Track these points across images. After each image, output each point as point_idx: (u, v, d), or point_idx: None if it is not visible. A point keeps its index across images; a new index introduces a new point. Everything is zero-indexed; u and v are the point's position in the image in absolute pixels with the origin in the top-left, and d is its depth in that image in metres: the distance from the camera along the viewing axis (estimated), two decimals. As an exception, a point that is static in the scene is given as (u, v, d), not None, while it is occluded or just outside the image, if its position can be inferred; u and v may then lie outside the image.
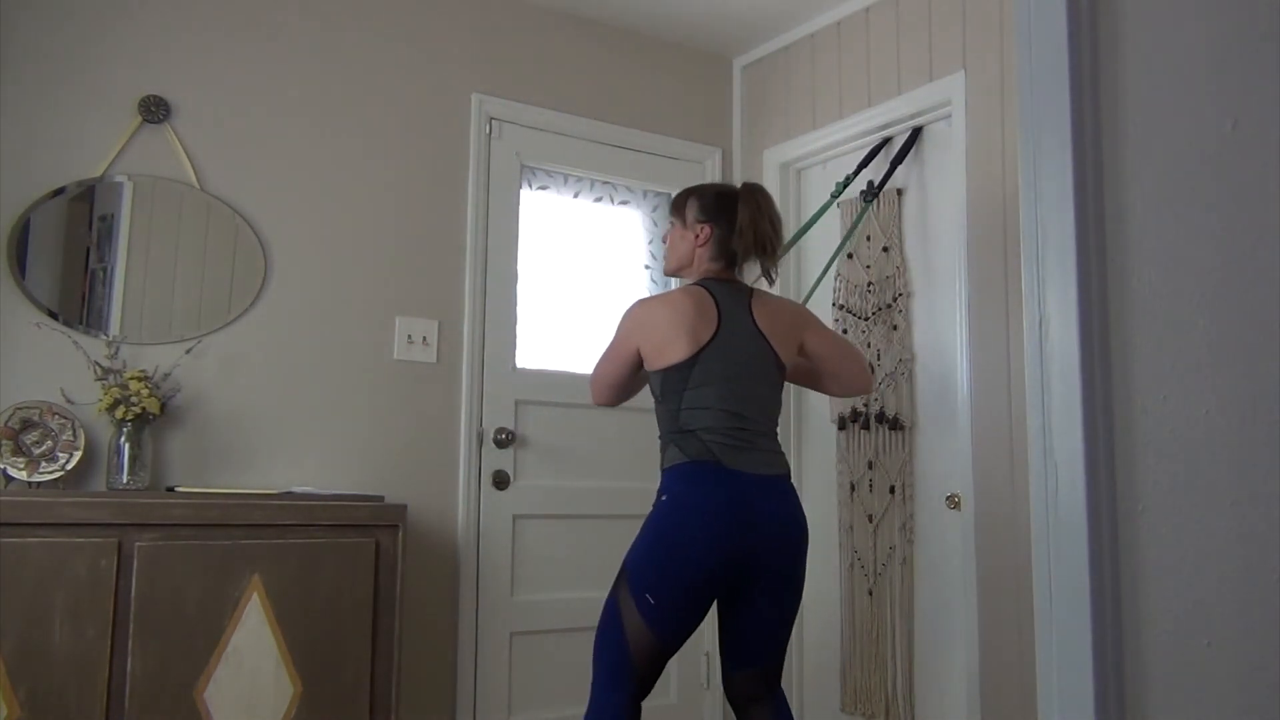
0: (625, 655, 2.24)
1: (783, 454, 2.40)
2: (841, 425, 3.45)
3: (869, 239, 3.43)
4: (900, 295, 3.30)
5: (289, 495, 2.70)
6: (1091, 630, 1.00)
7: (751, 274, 2.53)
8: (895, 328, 3.31)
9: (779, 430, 2.45)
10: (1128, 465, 1.00)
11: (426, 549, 3.19)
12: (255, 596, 2.47)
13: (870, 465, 3.36)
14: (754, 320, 2.40)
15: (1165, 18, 1.01)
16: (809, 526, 2.38)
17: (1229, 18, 0.96)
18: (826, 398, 3.52)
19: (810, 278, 3.68)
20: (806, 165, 3.74)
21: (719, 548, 2.23)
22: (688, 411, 2.32)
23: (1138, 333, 1.01)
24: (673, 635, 2.26)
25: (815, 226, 3.47)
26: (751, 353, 2.37)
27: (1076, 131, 1.05)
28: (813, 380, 2.62)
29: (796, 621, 3.56)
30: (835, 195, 3.38)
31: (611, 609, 2.28)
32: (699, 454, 2.28)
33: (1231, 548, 0.92)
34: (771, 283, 2.54)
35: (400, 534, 2.69)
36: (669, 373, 2.34)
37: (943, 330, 3.15)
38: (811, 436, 3.62)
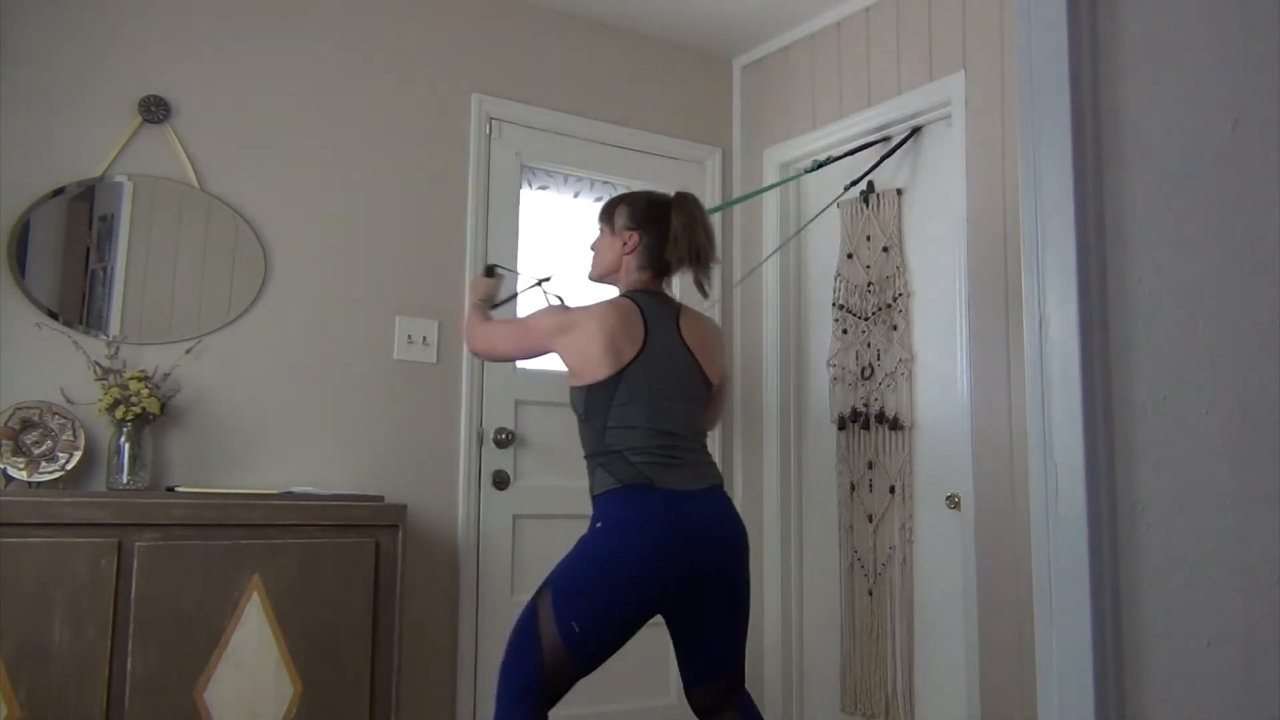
0: (539, 675, 2.16)
1: (714, 464, 2.36)
2: (841, 425, 3.45)
3: (869, 239, 3.43)
4: (900, 295, 3.30)
5: (289, 495, 2.70)
6: (1091, 630, 1.00)
7: (680, 286, 2.47)
8: (895, 328, 3.31)
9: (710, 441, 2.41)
10: (1128, 465, 1.00)
11: (426, 549, 3.19)
12: (255, 596, 2.47)
13: (870, 465, 3.36)
14: (681, 336, 2.36)
15: (1165, 18, 1.01)
16: (751, 534, 2.36)
17: (1229, 18, 0.96)
18: (827, 396, 3.53)
19: (814, 278, 3.68)
20: (806, 165, 3.74)
21: (663, 568, 2.18)
22: (614, 431, 2.25)
23: (1138, 333, 1.01)
24: (592, 661, 2.19)
25: (815, 226, 3.47)
26: (678, 369, 2.33)
27: (1076, 131, 1.05)
28: None
29: (796, 621, 3.60)
30: (809, 170, 3.48)
31: (528, 628, 2.19)
32: (630, 477, 2.22)
33: (1231, 548, 0.92)
34: (705, 295, 2.47)
35: (400, 534, 2.69)
36: (593, 390, 2.28)
37: (943, 330, 3.15)
38: (811, 436, 3.62)
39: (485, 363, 3.37)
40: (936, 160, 3.25)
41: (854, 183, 3.41)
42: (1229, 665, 0.92)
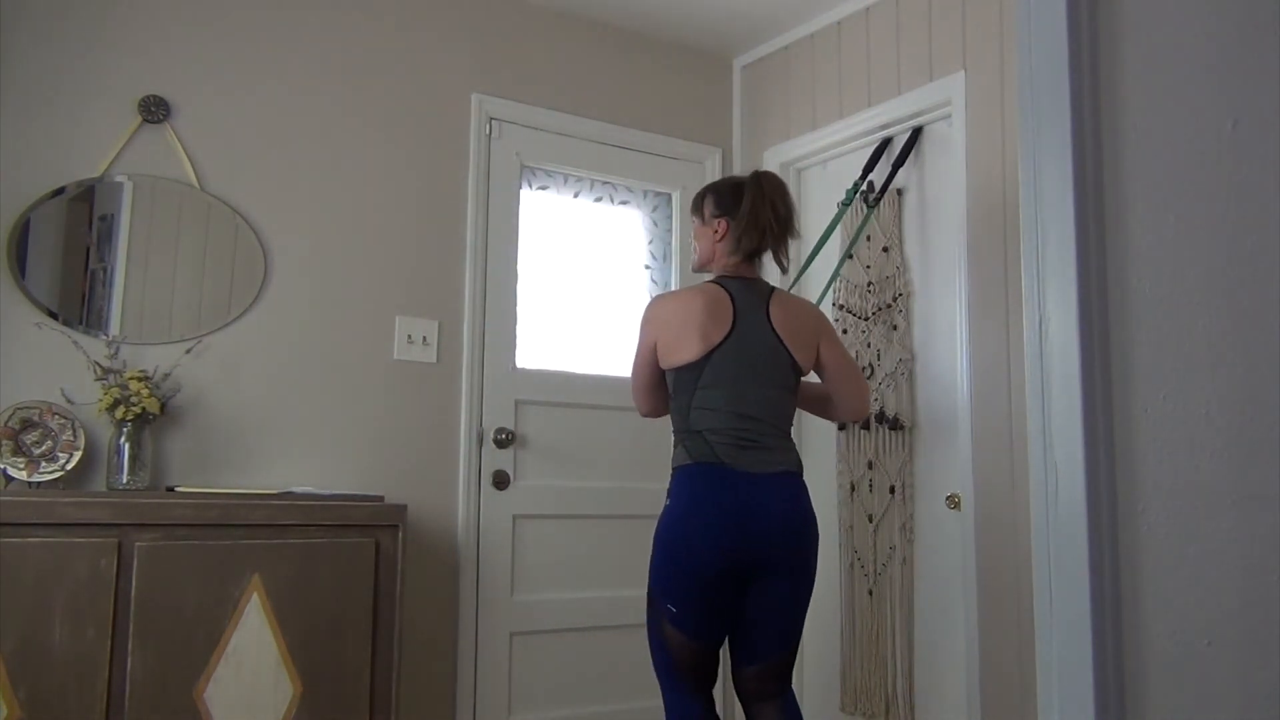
0: (674, 661, 2.31)
1: (794, 451, 2.41)
2: (841, 425, 3.45)
3: (869, 239, 3.43)
4: (900, 295, 3.30)
5: (289, 495, 2.70)
6: (1091, 630, 1.00)
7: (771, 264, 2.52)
8: (895, 328, 3.31)
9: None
10: (1128, 465, 1.00)
11: (426, 549, 3.19)
12: (255, 596, 2.47)
13: (870, 465, 3.36)
14: (770, 321, 2.38)
15: (1165, 18, 1.01)
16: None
17: (1229, 18, 0.96)
18: (826, 398, 3.53)
19: (813, 278, 3.68)
20: (806, 165, 3.74)
21: (720, 548, 2.24)
22: (697, 411, 2.33)
23: (1138, 333, 1.01)
24: (706, 634, 2.30)
25: (815, 227, 3.47)
26: (765, 354, 2.36)
27: (1076, 131, 1.05)
28: (813, 404, 2.62)
29: (796, 621, 3.59)
30: (845, 204, 3.38)
31: (650, 622, 2.36)
32: (703, 455, 2.29)
33: (1231, 548, 0.92)
34: (784, 270, 2.54)
35: (400, 534, 2.69)
36: (680, 371, 2.36)
37: (943, 330, 3.15)
38: (811, 436, 3.62)
39: (485, 363, 3.38)
40: (936, 160, 3.25)
41: (877, 198, 3.36)
42: (1229, 665, 0.92)
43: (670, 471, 2.39)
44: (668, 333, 2.37)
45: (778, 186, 2.46)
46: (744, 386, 2.32)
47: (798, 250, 3.21)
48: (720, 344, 2.33)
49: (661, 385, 2.47)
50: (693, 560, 2.25)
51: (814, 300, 3.12)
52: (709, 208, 2.50)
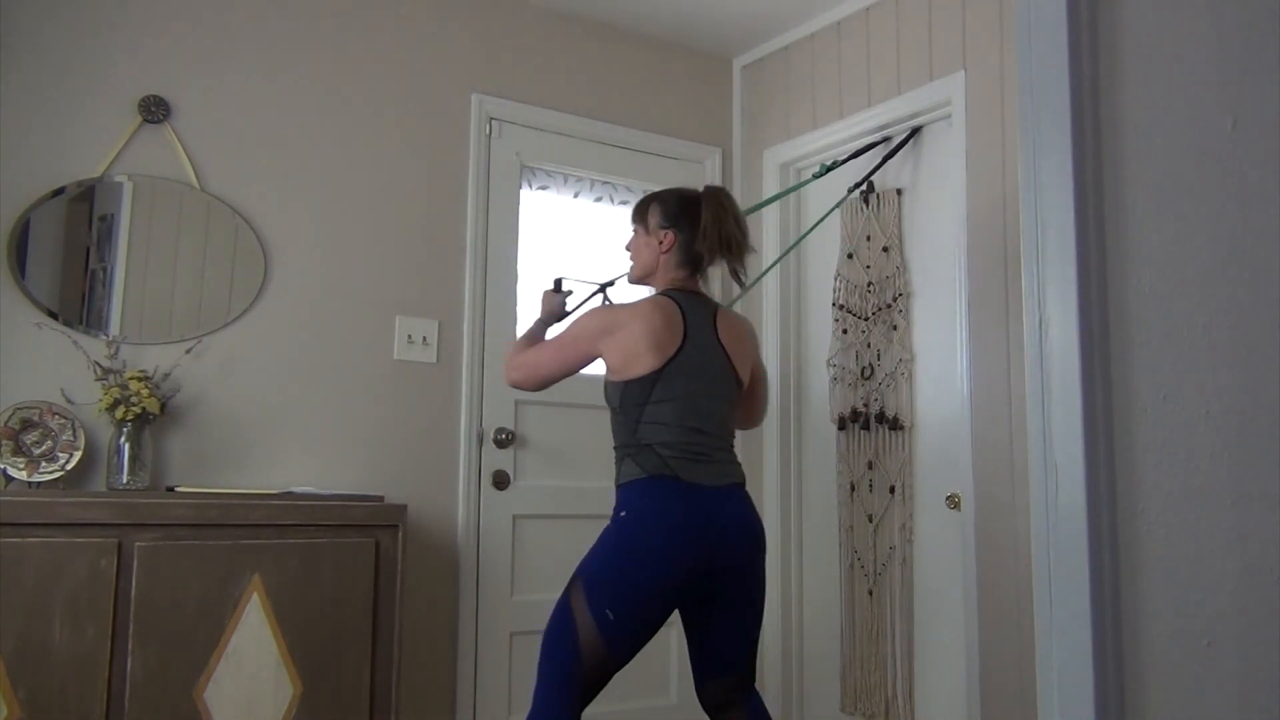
0: (577, 667, 2.20)
1: (739, 464, 2.40)
2: (841, 425, 3.45)
3: (869, 239, 3.43)
4: (900, 295, 3.30)
5: (289, 495, 2.70)
6: (1091, 630, 1.00)
7: (717, 278, 2.50)
8: (895, 328, 3.31)
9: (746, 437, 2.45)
10: (1128, 465, 1.00)
11: (426, 549, 3.19)
12: (255, 596, 2.47)
13: (870, 465, 3.36)
14: (717, 335, 2.39)
15: (1165, 17, 1.01)
16: (766, 532, 2.40)
17: (1229, 17, 0.96)
18: (827, 396, 3.53)
19: (813, 278, 3.68)
20: (806, 165, 3.74)
21: (683, 559, 2.21)
22: (646, 425, 2.30)
23: (1138, 333, 1.01)
24: (628, 650, 2.23)
25: (816, 227, 3.46)
26: (714, 369, 2.36)
27: (1076, 131, 1.05)
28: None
29: (796, 621, 3.59)
30: (817, 175, 3.43)
31: (564, 621, 2.23)
32: (656, 469, 2.26)
33: (1231, 548, 0.92)
34: (741, 285, 2.51)
35: (400, 534, 2.69)
36: (630, 385, 2.31)
37: (943, 330, 3.15)
38: (811, 436, 3.62)
39: (485, 363, 3.37)
40: (936, 160, 3.24)
41: (856, 185, 3.41)
42: (1229, 665, 0.92)
43: (615, 486, 2.34)
44: (623, 346, 2.32)
45: (733, 202, 2.45)
46: (695, 401, 2.31)
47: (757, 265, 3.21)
48: (673, 358, 2.30)
49: (561, 379, 2.47)
50: (657, 573, 2.20)
51: (754, 279, 3.06)
52: (654, 218, 2.46)
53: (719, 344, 2.38)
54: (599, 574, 2.24)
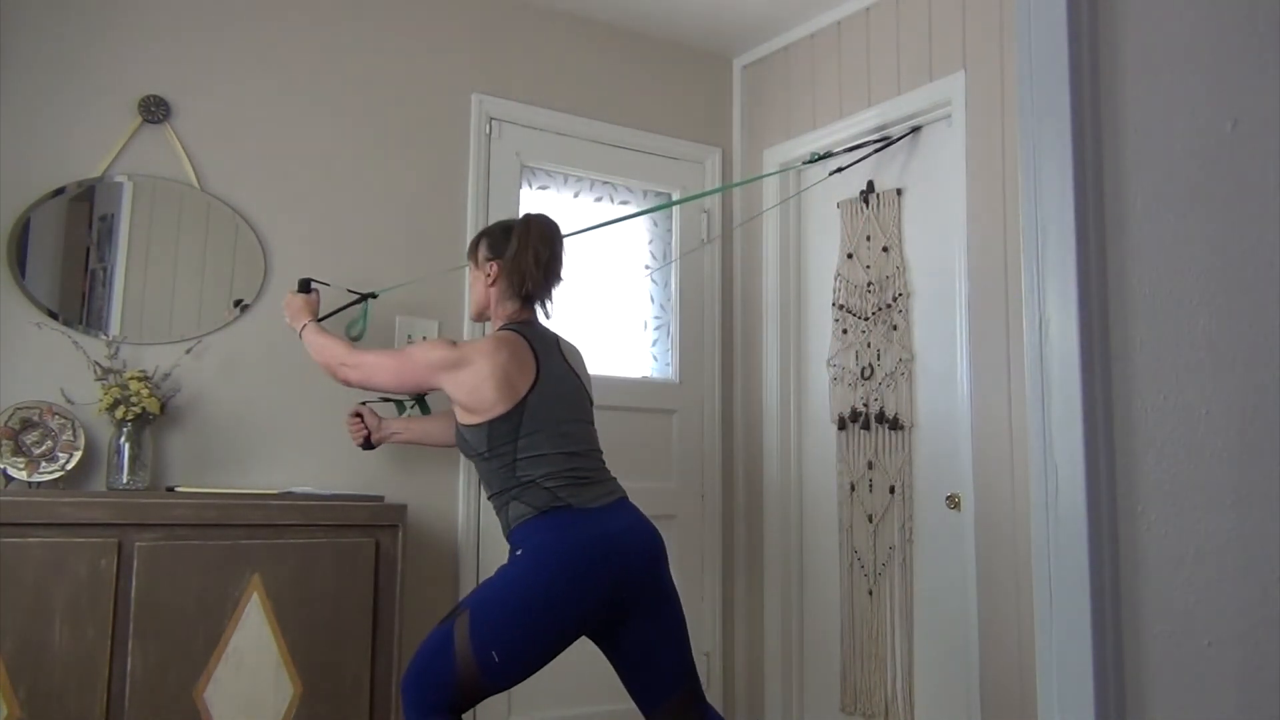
0: (452, 695, 2.15)
1: (615, 479, 2.40)
2: (841, 425, 3.45)
3: (869, 239, 3.43)
4: (900, 295, 3.30)
5: (289, 495, 2.70)
6: (1091, 630, 1.00)
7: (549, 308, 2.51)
8: (895, 328, 3.31)
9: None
10: (1128, 465, 1.00)
11: (426, 549, 3.19)
12: (255, 596, 2.47)
13: (870, 465, 3.36)
14: (566, 360, 2.43)
15: (1165, 17, 1.01)
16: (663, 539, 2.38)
17: (1229, 18, 0.96)
18: (826, 397, 3.53)
19: (813, 278, 3.68)
20: (805, 156, 3.74)
21: (588, 587, 2.19)
22: (524, 460, 2.26)
23: (1138, 333, 1.01)
24: (505, 685, 2.19)
25: (816, 227, 3.46)
26: (571, 392, 2.39)
27: (1076, 131, 1.05)
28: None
29: (797, 621, 3.59)
30: (807, 162, 3.51)
31: (444, 651, 2.16)
32: (546, 503, 2.23)
33: (1231, 548, 0.92)
34: (547, 315, 2.51)
35: (400, 534, 2.69)
36: (495, 424, 2.27)
37: (943, 330, 3.15)
38: (811, 436, 3.62)
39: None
40: (936, 160, 3.24)
41: (818, 157, 3.45)
42: (1229, 665, 0.92)
43: (508, 532, 2.30)
44: (466, 384, 2.28)
45: (545, 228, 2.45)
46: (564, 426, 2.31)
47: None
48: (532, 388, 2.29)
49: (396, 390, 2.58)
50: (562, 613, 2.16)
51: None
52: (482, 251, 2.48)
53: (569, 368, 2.42)
54: (490, 615, 2.16)
